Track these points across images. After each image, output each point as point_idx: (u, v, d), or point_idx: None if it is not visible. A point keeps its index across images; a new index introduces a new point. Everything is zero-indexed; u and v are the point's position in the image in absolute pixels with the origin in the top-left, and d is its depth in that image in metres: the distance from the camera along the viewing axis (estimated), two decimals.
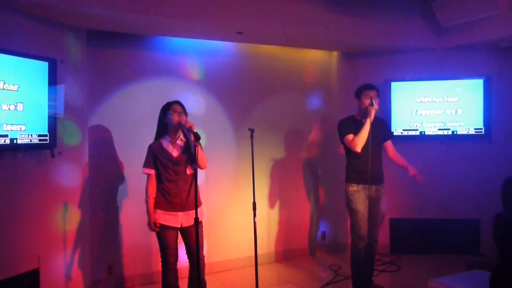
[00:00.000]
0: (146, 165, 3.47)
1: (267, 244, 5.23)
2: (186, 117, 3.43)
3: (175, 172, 3.42)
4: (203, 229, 3.63)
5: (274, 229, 5.29)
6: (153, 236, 4.53)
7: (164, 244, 3.45)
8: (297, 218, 5.45)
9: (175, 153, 3.43)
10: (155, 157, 3.43)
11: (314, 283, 4.51)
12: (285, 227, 5.37)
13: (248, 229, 4.70)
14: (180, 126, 3.38)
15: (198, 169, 3.39)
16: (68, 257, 3.98)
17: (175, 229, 3.45)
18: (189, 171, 3.46)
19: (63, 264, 3.93)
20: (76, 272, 4.07)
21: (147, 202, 3.46)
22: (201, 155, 3.36)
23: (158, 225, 3.42)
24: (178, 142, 3.47)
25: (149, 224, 3.46)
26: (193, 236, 3.35)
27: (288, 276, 4.78)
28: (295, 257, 5.36)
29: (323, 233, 5.62)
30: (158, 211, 3.43)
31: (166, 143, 3.46)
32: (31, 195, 3.59)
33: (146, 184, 3.48)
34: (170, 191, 3.41)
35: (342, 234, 5.56)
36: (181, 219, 3.43)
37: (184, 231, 3.47)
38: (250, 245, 3.87)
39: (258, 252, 3.82)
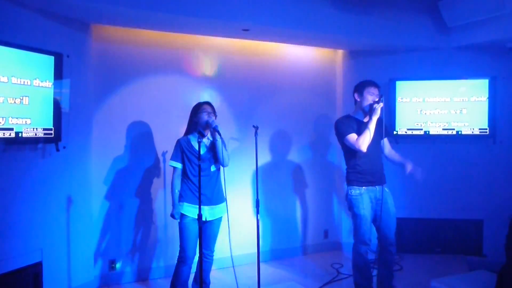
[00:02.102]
0: (174, 158, 3.61)
1: (269, 241, 5.23)
2: (215, 118, 3.60)
3: (201, 168, 3.50)
4: (221, 226, 3.76)
5: (276, 226, 5.29)
6: (157, 232, 4.57)
7: (185, 234, 3.55)
8: (300, 216, 5.45)
9: (201, 150, 3.52)
10: (183, 152, 3.58)
11: (315, 281, 4.51)
12: (287, 225, 5.37)
13: (250, 226, 4.71)
14: (208, 125, 3.52)
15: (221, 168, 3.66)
16: (71, 251, 4.00)
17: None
18: (213, 168, 3.64)
19: (66, 258, 3.95)
20: (79, 266, 4.09)
21: (172, 194, 3.61)
22: (221, 153, 3.54)
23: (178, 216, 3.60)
24: (205, 140, 3.60)
25: (172, 214, 3.60)
26: (214, 229, 3.68)
27: (290, 273, 4.78)
28: (297, 255, 5.37)
29: (326, 232, 5.62)
30: (185, 203, 3.56)
31: (194, 140, 3.60)
32: (35, 189, 3.61)
33: (172, 176, 3.63)
34: (196, 185, 3.52)
35: (345, 233, 5.56)
36: (206, 213, 3.55)
37: (206, 224, 3.59)
38: (252, 242, 3.88)
39: (260, 250, 3.82)
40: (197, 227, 3.51)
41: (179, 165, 3.60)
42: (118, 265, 4.44)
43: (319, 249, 5.53)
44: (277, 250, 5.29)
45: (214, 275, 4.58)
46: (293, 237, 5.41)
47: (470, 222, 5.29)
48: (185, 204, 3.56)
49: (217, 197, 3.65)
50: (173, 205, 3.60)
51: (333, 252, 5.50)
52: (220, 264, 4.82)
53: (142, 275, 4.56)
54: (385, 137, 3.92)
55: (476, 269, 4.25)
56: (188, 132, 3.69)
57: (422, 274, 4.59)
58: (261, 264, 3.83)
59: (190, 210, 3.54)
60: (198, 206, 3.46)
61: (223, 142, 3.55)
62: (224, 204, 3.70)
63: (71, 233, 4.00)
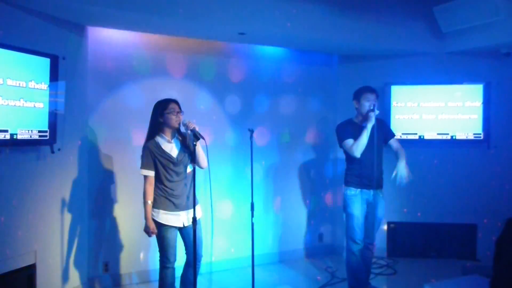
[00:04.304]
0: (144, 166, 3.36)
1: (265, 245, 5.24)
2: (182, 116, 3.39)
3: (175, 173, 3.38)
4: (202, 227, 3.66)
5: (272, 230, 5.30)
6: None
7: (165, 243, 3.42)
8: (294, 219, 5.46)
9: (174, 153, 3.38)
10: (154, 158, 3.36)
11: (310, 285, 4.52)
12: (283, 228, 5.37)
13: (246, 229, 4.72)
14: (179, 126, 3.33)
15: (197, 168, 3.40)
16: (65, 253, 3.99)
17: (176, 228, 3.44)
18: (188, 169, 3.44)
19: (59, 260, 3.94)
20: (73, 269, 4.08)
21: (145, 206, 3.39)
22: (201, 154, 3.36)
23: (155, 232, 3.40)
24: (175, 141, 3.42)
25: (146, 229, 3.41)
26: (197, 233, 3.37)
27: (284, 277, 4.79)
28: (292, 259, 5.37)
29: (320, 235, 5.63)
30: (161, 211, 3.38)
31: (163, 143, 3.39)
32: (29, 191, 3.60)
33: (144, 186, 3.39)
34: (172, 191, 3.37)
35: (339, 237, 5.57)
36: (183, 218, 3.41)
37: (185, 229, 3.46)
38: (247, 245, 3.89)
39: (255, 253, 3.83)
40: (174, 232, 3.43)
41: (151, 173, 3.35)
42: (111, 267, 4.43)
43: (313, 253, 5.53)
44: (271, 253, 5.29)
45: (207, 278, 4.59)
46: (288, 241, 5.41)
47: (464, 226, 5.31)
48: (161, 211, 3.38)
49: (192, 201, 3.34)
50: (146, 218, 3.38)
51: (328, 256, 5.50)
52: (215, 267, 4.83)
53: (136, 278, 4.55)
54: (391, 138, 4.11)
55: (470, 273, 4.27)
56: (153, 134, 3.40)
57: (416, 278, 4.59)
58: (255, 267, 3.83)
59: (167, 218, 3.38)
60: (174, 212, 3.38)
61: (202, 144, 3.27)
62: (198, 206, 3.48)
63: (65, 235, 3.99)
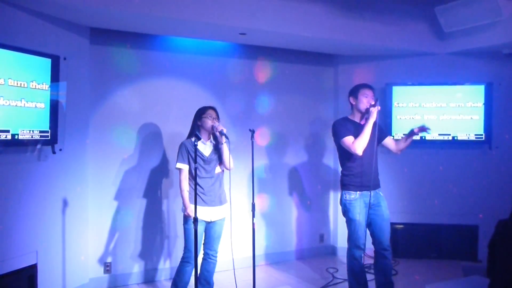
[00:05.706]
0: (180, 160, 3.67)
1: (265, 245, 5.24)
2: (219, 122, 3.70)
3: (205, 170, 3.67)
4: (224, 226, 3.85)
5: (272, 230, 5.30)
6: (152, 235, 4.57)
7: (191, 235, 3.57)
8: (295, 219, 5.45)
9: (206, 152, 3.70)
10: (188, 154, 3.65)
11: (310, 286, 4.51)
12: (283, 228, 5.37)
13: (246, 229, 4.72)
14: (212, 129, 3.65)
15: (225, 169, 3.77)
16: (67, 253, 4.00)
17: (203, 222, 3.65)
18: (217, 170, 3.75)
19: (61, 260, 3.95)
20: (74, 269, 4.09)
21: (182, 194, 3.67)
22: (228, 156, 3.69)
23: (192, 214, 3.60)
24: (208, 143, 3.70)
25: (187, 212, 3.63)
26: (218, 229, 3.77)
27: (285, 278, 4.78)
28: (293, 259, 5.38)
29: (321, 236, 5.62)
30: (191, 205, 3.59)
31: (198, 143, 3.57)
32: (31, 191, 3.61)
33: (180, 178, 3.69)
34: (201, 188, 3.64)
35: (340, 237, 5.56)
36: (210, 213, 3.66)
37: (209, 224, 3.71)
38: (248, 245, 3.89)
39: (256, 253, 3.83)
40: (201, 226, 3.63)
41: (186, 167, 3.66)
42: (113, 268, 4.44)
43: (314, 254, 5.53)
44: (272, 254, 5.28)
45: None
46: (289, 241, 5.42)
47: (465, 227, 5.30)
48: (191, 205, 3.57)
49: (221, 198, 3.76)
50: (185, 204, 3.65)
51: (329, 257, 5.50)
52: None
53: (137, 278, 4.56)
54: (386, 137, 3.96)
55: (471, 274, 4.26)
56: (191, 134, 3.73)
57: (417, 279, 4.58)
58: (256, 268, 3.83)
59: (196, 211, 3.50)
60: (202, 207, 3.61)
61: (229, 146, 3.67)
62: (227, 204, 3.80)
63: (67, 235, 3.99)
